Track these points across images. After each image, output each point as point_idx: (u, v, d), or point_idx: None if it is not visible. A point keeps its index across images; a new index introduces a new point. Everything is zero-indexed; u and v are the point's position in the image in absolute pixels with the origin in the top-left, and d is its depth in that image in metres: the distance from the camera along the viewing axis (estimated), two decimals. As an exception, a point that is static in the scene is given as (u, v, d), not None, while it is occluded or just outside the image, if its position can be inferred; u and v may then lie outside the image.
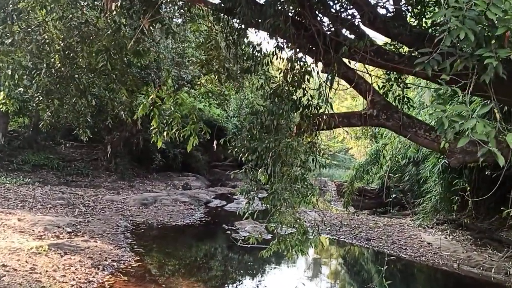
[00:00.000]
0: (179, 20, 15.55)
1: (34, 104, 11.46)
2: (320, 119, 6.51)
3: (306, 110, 6.48)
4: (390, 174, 15.21)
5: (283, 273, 9.06)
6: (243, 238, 11.10)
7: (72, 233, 9.13)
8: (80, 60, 9.85)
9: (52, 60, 8.95)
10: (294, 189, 5.98)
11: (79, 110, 11.36)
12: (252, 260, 9.60)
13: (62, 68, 8.98)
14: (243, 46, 6.39)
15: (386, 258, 6.81)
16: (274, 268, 9.27)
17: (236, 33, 6.15)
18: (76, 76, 10.21)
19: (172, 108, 7.35)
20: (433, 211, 12.36)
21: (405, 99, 7.48)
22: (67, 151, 20.72)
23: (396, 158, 14.87)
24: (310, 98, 6.43)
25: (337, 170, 33.18)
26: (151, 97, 7.41)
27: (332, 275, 9.49)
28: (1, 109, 11.35)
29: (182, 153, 22.09)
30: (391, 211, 15.78)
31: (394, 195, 13.25)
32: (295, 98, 6.28)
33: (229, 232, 11.49)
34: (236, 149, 6.33)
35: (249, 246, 10.59)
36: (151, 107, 7.42)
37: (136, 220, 11.70)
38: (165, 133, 7.13)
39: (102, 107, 15.66)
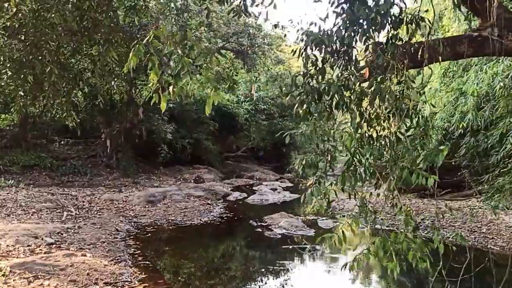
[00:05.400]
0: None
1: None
2: (414, 45, 4.05)
3: (393, 28, 3.98)
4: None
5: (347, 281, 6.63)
6: (278, 235, 8.73)
7: (53, 245, 6.72)
8: (53, 15, 7.47)
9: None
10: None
11: (61, 88, 8.97)
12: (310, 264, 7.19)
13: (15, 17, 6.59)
14: None
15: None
16: (331, 271, 6.85)
17: None
18: (47, 38, 7.83)
19: (180, 52, 4.83)
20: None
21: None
22: (61, 149, 18.35)
23: (450, 128, 12.37)
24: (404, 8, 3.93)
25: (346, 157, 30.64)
26: (146, 38, 4.84)
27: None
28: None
29: (192, 144, 19.72)
30: (441, 192, 13.29)
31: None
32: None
33: (259, 229, 9.04)
34: (287, 96, 3.85)
35: (290, 247, 8.20)
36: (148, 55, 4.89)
37: (141, 222, 9.28)
38: (171, 88, 4.59)
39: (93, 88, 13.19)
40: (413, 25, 3.92)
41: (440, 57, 4.19)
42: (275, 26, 8.41)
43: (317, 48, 3.85)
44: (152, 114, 18.07)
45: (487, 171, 11.46)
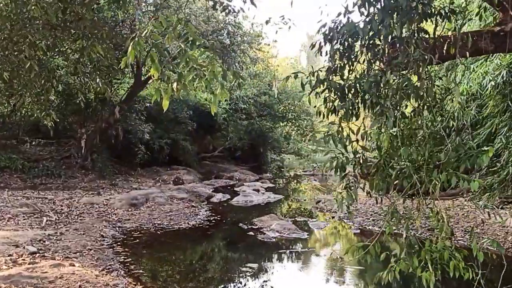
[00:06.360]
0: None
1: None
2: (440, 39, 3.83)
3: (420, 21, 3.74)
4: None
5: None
6: (272, 239, 8.40)
7: (37, 254, 6.22)
8: (32, 8, 6.95)
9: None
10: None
11: (38, 85, 8.43)
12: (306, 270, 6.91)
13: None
14: None
15: None
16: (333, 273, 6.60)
17: None
18: (26, 33, 7.30)
19: (182, 46, 4.46)
20: (503, 186, 9.85)
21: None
22: (33, 149, 17.49)
23: (436, 128, 12.35)
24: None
25: (324, 157, 30.68)
26: (145, 31, 4.45)
27: None
28: None
29: (169, 144, 19.19)
30: (424, 191, 13.29)
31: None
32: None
33: (251, 233, 8.72)
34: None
35: (288, 251, 7.91)
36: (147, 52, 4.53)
37: (126, 227, 8.81)
38: (174, 85, 4.21)
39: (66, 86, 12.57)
40: (442, 18, 3.70)
41: (467, 53, 4.00)
42: (267, 22, 8.07)
43: (340, 42, 3.59)
44: (129, 113, 17.47)
45: (472, 170, 11.49)
